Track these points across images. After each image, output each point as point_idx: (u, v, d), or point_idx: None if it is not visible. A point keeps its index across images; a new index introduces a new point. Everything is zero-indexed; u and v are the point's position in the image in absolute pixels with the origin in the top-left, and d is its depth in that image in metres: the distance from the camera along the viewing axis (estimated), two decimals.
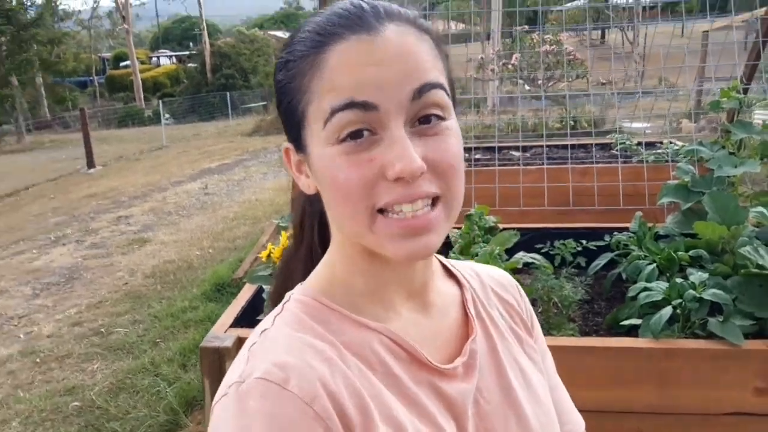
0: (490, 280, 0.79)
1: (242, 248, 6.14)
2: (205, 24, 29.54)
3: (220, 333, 2.04)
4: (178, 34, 42.95)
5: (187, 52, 35.40)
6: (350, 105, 0.55)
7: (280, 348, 0.57)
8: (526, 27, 10.71)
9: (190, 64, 31.19)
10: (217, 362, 1.98)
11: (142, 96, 27.41)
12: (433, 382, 0.63)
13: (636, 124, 8.76)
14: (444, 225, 0.59)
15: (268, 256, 2.21)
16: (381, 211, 0.57)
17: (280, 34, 35.37)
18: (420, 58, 0.57)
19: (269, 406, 0.52)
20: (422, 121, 0.57)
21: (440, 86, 0.58)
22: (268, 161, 12.54)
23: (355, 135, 0.56)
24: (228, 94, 24.01)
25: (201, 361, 2.03)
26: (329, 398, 0.54)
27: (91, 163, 13.50)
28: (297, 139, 0.62)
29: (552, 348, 0.85)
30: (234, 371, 0.57)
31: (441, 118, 0.58)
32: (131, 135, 19.63)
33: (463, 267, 0.78)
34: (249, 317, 2.22)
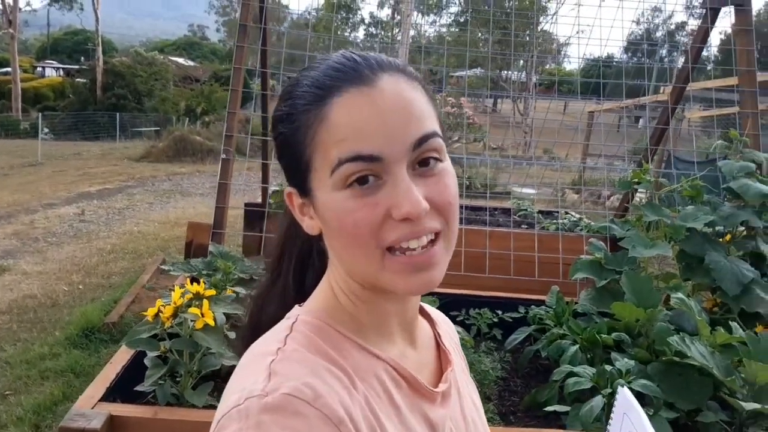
0: (441, 321, 0.85)
1: (118, 286, 5.54)
2: (100, 39, 27.99)
3: (87, 409, 1.68)
4: (69, 46, 40.40)
5: (77, 66, 33.22)
6: (356, 158, 0.59)
7: (304, 368, 0.59)
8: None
9: (78, 79, 29.15)
10: None
11: (20, 106, 25.19)
12: (423, 409, 0.68)
13: (525, 190, 9.18)
14: (444, 258, 0.64)
15: (156, 315, 1.88)
16: (389, 249, 0.61)
17: (181, 60, 34.28)
18: (416, 107, 0.62)
19: (299, 424, 0.54)
20: (422, 164, 0.62)
21: (437, 134, 0.63)
22: (155, 190, 11.76)
23: (362, 181, 0.60)
24: (118, 114, 22.63)
25: None
26: (351, 424, 0.57)
27: None
28: (301, 184, 0.66)
29: None
30: (250, 386, 0.57)
31: (438, 160, 0.63)
32: (3, 147, 17.77)
33: (424, 305, 0.84)
34: (124, 388, 1.86)
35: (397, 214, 0.59)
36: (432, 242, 0.62)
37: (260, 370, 0.59)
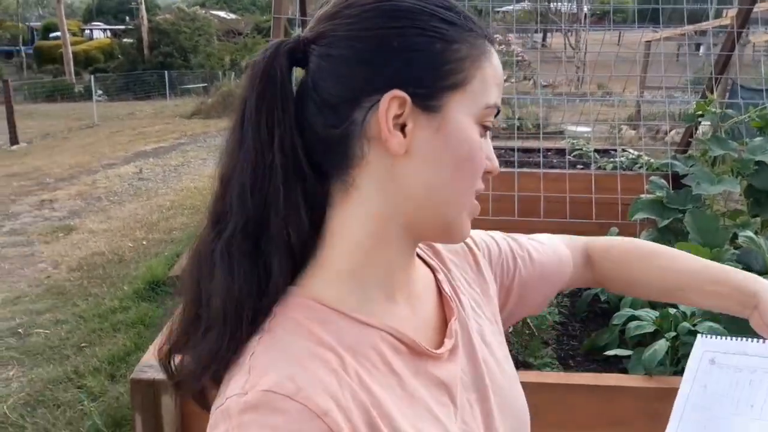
0: (443, 250, 0.79)
1: (179, 241, 5.75)
2: None
3: (155, 361, 1.76)
4: (114, 6, 40.88)
5: (122, 27, 33.61)
6: (497, 110, 0.65)
7: (284, 358, 0.55)
8: None
9: (125, 39, 29.55)
10: (151, 398, 1.69)
11: (72, 70, 25.83)
12: (429, 370, 0.64)
13: (580, 128, 8.86)
14: None
15: None
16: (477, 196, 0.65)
17: (222, 14, 34.23)
18: None
19: (280, 421, 0.51)
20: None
21: None
22: (208, 146, 11.99)
23: (486, 130, 0.64)
24: (166, 73, 22.92)
25: (132, 395, 1.74)
26: (340, 412, 0.53)
27: (14, 140, 12.53)
28: (428, 96, 0.59)
29: (535, 385, 0.97)
30: (232, 383, 0.54)
31: None
32: (59, 111, 18.41)
33: (424, 248, 0.78)
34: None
35: (492, 167, 0.65)
36: None
37: (242, 364, 0.56)
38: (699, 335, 0.80)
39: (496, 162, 0.65)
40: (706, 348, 0.78)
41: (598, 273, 0.93)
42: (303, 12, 3.15)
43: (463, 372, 0.69)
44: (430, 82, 0.59)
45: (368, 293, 0.63)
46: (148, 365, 1.73)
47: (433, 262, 0.76)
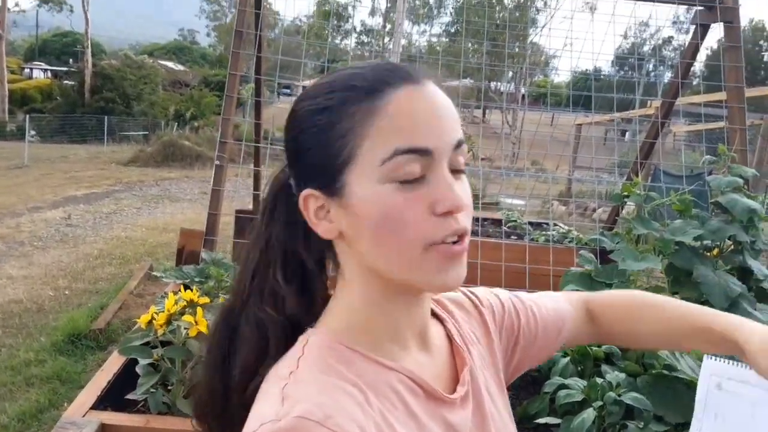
0: (450, 304, 0.83)
1: (105, 292, 5.50)
2: (90, 42, 27.82)
3: (78, 417, 1.67)
4: (58, 48, 40.09)
5: (65, 68, 32.98)
6: (413, 150, 0.61)
7: (315, 389, 0.60)
8: None
9: (66, 81, 28.95)
10: None
11: (6, 107, 24.94)
12: (443, 415, 0.68)
13: (515, 201, 9.23)
14: (466, 258, 0.65)
15: (149, 322, 1.87)
16: (429, 245, 0.62)
17: (170, 64, 34.13)
18: (454, 113, 0.66)
19: None
20: (454, 171, 0.65)
21: (464, 141, 0.67)
22: (143, 195, 11.69)
23: (411, 176, 0.61)
24: (106, 118, 22.45)
25: None
26: None
27: None
28: (330, 182, 0.64)
29: None
30: (265, 411, 0.59)
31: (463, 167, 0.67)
32: None
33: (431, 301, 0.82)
34: (116, 396, 1.85)
35: (441, 208, 0.61)
36: (461, 238, 0.64)
37: (274, 395, 0.61)
38: (705, 357, 0.82)
39: (450, 199, 0.62)
40: (712, 371, 0.81)
41: (601, 328, 0.95)
42: (258, 70, 3.22)
43: (472, 422, 0.72)
44: (325, 170, 0.65)
45: (379, 340, 0.69)
46: (70, 422, 1.64)
47: (442, 314, 0.81)
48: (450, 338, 0.79)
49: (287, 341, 0.69)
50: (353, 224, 0.65)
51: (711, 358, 0.83)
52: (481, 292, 0.89)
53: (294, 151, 0.68)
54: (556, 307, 0.93)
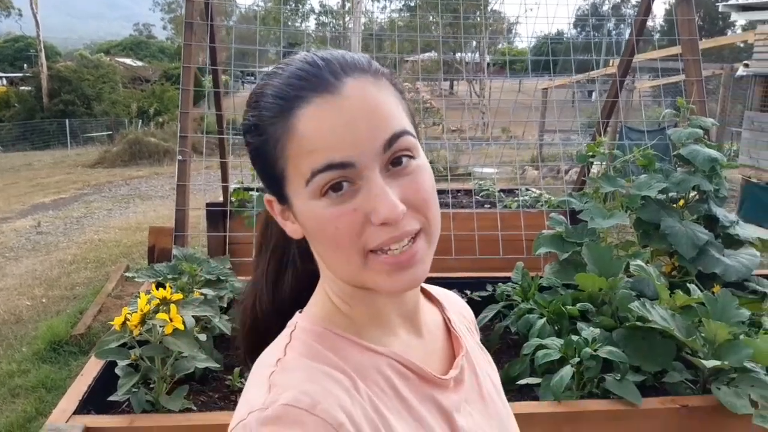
0: (453, 304, 0.85)
1: (83, 297, 5.43)
2: (42, 45, 27.02)
3: (61, 423, 1.66)
4: (10, 54, 38.84)
5: (20, 74, 32.03)
6: (329, 167, 0.59)
7: (302, 376, 0.61)
8: None
9: (23, 87, 28.13)
10: None
11: None
12: (434, 397, 0.69)
13: (486, 170, 9.28)
14: (428, 253, 0.64)
15: (123, 323, 1.86)
16: (371, 251, 0.62)
17: (128, 61, 33.35)
18: (383, 109, 0.62)
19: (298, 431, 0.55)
20: (394, 163, 0.62)
21: (406, 132, 0.62)
22: (113, 196, 11.50)
23: (336, 187, 0.60)
24: (67, 121, 21.94)
25: None
26: (353, 426, 0.58)
27: None
28: (278, 193, 0.66)
29: None
30: (252, 399, 0.59)
31: (411, 158, 0.63)
32: None
33: (434, 289, 0.84)
34: (98, 399, 1.84)
35: (375, 219, 0.60)
36: (413, 240, 0.62)
37: (262, 382, 0.61)
38: None
39: (381, 211, 0.59)
40: None
41: None
42: (213, 61, 3.17)
43: (470, 404, 0.73)
44: (271, 183, 0.67)
45: (364, 326, 0.69)
46: (54, 428, 1.63)
47: (445, 304, 0.83)
48: (447, 324, 0.80)
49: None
50: (305, 232, 0.67)
51: None
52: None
53: (250, 160, 0.69)
54: None
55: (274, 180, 0.65)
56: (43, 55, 26.03)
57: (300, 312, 0.71)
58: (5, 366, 4.05)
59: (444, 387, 0.70)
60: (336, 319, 0.69)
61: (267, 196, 0.70)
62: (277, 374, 0.61)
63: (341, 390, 0.61)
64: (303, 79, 0.61)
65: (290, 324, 0.69)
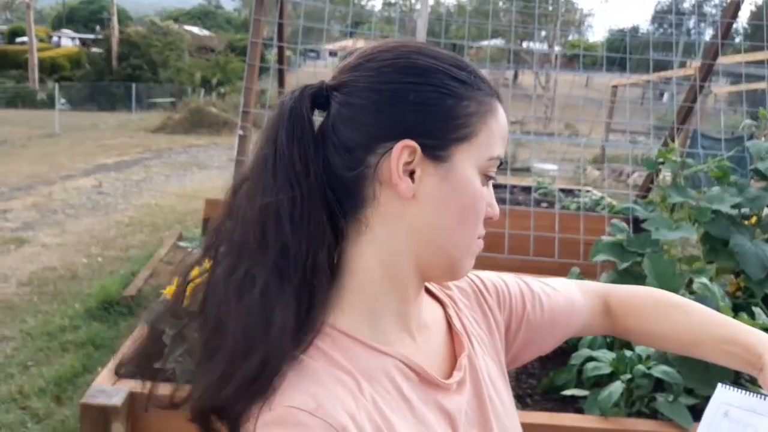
0: (453, 290, 0.83)
1: (136, 259, 5.60)
2: (116, 8, 27.88)
3: (107, 385, 1.69)
4: (85, 15, 40.31)
5: (92, 36, 33.16)
6: (500, 158, 0.69)
7: (308, 378, 0.60)
8: None
9: (94, 49, 29.13)
10: (101, 425, 1.63)
11: (36, 77, 25.25)
12: (437, 399, 0.69)
13: (547, 165, 9.05)
14: None
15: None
16: (478, 237, 0.70)
17: (196, 30, 34.09)
18: None
19: None
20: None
21: None
22: (172, 162, 11.83)
23: (490, 177, 0.69)
24: (134, 85, 22.63)
25: (81, 420, 1.68)
26: (356, 429, 0.58)
27: None
28: (436, 147, 0.64)
29: None
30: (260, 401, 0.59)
31: None
32: (20, 117, 17.93)
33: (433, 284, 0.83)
34: (145, 365, 1.87)
35: (492, 214, 0.70)
36: None
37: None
38: (719, 385, 0.81)
39: (497, 209, 0.71)
40: (723, 399, 0.79)
41: (617, 323, 0.93)
42: (280, 37, 3.16)
43: (469, 407, 0.73)
44: (440, 134, 0.65)
45: (382, 324, 0.68)
46: (100, 390, 1.67)
47: (444, 298, 0.81)
48: (449, 323, 0.78)
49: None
50: (443, 194, 0.65)
51: (725, 387, 0.80)
52: (487, 276, 0.88)
53: (407, 97, 0.64)
54: (568, 297, 0.91)
55: (445, 131, 0.65)
56: (115, 18, 26.89)
57: (313, 310, 0.67)
58: (58, 320, 4.22)
59: (447, 390, 0.70)
60: (350, 316, 0.67)
61: (405, 142, 0.63)
62: (281, 376, 0.61)
63: (346, 392, 0.61)
64: (488, 83, 0.70)
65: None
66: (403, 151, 0.63)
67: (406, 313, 0.70)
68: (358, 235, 0.67)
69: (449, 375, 0.72)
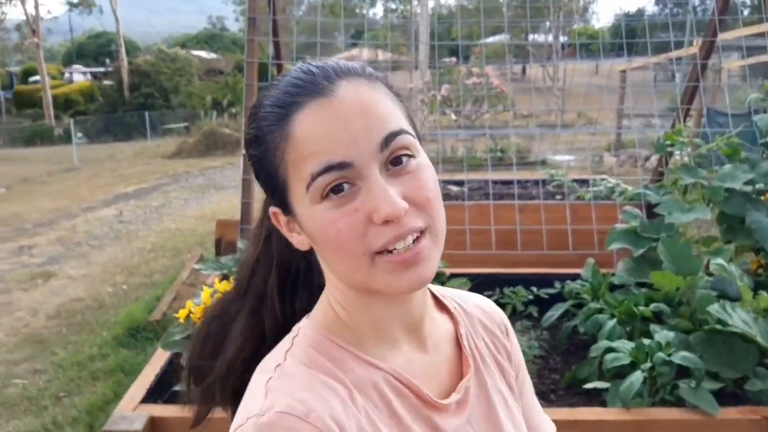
0: (476, 310, 0.82)
1: (160, 284, 5.67)
2: (122, 40, 28.35)
3: (128, 411, 1.72)
4: (94, 49, 41.03)
5: (102, 69, 33.80)
6: (328, 168, 0.60)
7: (299, 383, 0.62)
8: (454, 59, 10.83)
9: (105, 82, 29.66)
10: None
11: (52, 113, 25.80)
12: (430, 418, 0.67)
13: (559, 157, 8.95)
14: (434, 252, 0.64)
15: (187, 316, 1.90)
16: (376, 252, 0.61)
17: (203, 54, 34.47)
18: (379, 108, 0.63)
19: None
20: (394, 163, 0.62)
21: (403, 131, 0.63)
22: (189, 186, 11.96)
23: (337, 189, 0.61)
24: (147, 113, 22.99)
25: None
26: None
27: None
28: (282, 203, 0.67)
29: None
30: (251, 405, 0.61)
31: (411, 156, 0.63)
32: (39, 155, 18.31)
33: (450, 297, 0.81)
34: (164, 389, 1.90)
35: (377, 218, 0.60)
36: (417, 239, 0.62)
37: (259, 388, 0.63)
38: None
39: (382, 207, 0.59)
40: None
41: None
42: (277, 55, 3.19)
43: (470, 423, 0.71)
44: (275, 193, 0.67)
45: (364, 337, 0.69)
46: (122, 416, 1.69)
47: (460, 315, 0.78)
48: (459, 340, 0.76)
49: (281, 334, 0.71)
50: (310, 239, 0.67)
51: None
52: (515, 337, 0.86)
53: (254, 174, 0.70)
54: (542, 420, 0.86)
55: (277, 190, 0.66)
56: (123, 50, 27.35)
57: (307, 317, 0.71)
58: (87, 350, 4.29)
59: (443, 411, 0.69)
60: (337, 329, 0.68)
61: (272, 209, 0.69)
62: (275, 380, 0.62)
63: (337, 400, 0.61)
64: (297, 86, 0.63)
65: (295, 328, 0.70)
66: (276, 217, 0.69)
67: (390, 327, 0.69)
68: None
69: (449, 394, 0.71)
